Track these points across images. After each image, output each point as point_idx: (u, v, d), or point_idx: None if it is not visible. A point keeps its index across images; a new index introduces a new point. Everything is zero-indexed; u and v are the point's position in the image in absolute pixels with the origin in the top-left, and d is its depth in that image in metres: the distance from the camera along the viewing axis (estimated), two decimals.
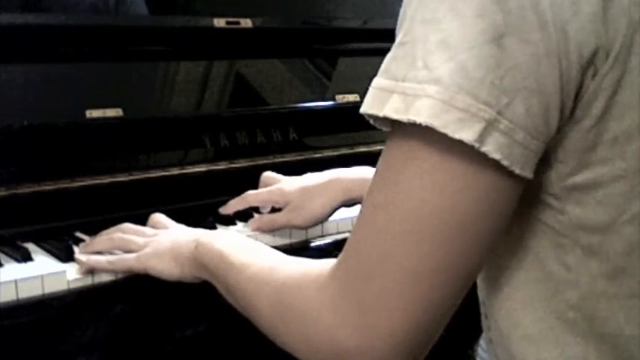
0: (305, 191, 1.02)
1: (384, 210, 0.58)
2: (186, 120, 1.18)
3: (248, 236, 0.95)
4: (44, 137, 1.01)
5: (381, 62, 0.60)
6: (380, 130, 0.60)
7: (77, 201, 1.02)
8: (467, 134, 0.53)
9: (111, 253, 0.92)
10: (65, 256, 0.92)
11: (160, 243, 0.90)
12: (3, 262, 0.90)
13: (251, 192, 1.06)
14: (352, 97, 1.32)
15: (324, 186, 1.02)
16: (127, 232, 0.95)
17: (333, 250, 1.05)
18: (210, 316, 0.98)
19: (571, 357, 0.63)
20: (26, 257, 0.91)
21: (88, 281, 0.88)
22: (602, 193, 0.59)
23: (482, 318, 0.73)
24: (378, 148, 0.66)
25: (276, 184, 1.05)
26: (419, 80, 0.55)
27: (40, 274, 0.86)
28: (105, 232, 0.96)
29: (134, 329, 0.93)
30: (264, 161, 1.18)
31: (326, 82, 1.38)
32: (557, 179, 0.60)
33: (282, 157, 1.21)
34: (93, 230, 0.99)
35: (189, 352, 0.99)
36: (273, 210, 1.06)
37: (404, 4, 0.60)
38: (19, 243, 0.95)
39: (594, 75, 0.56)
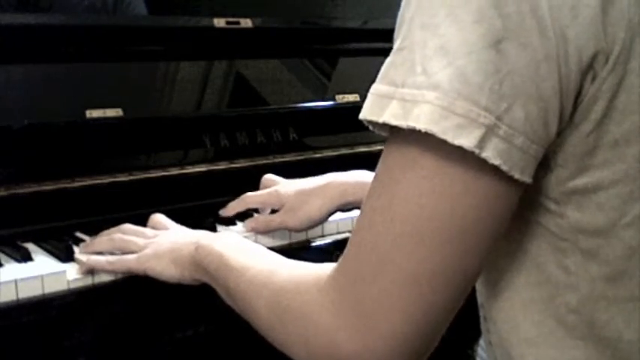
0: (301, 194, 1.02)
1: (383, 214, 0.58)
2: (186, 120, 1.18)
3: (245, 237, 0.95)
4: (44, 137, 1.01)
5: (381, 62, 0.60)
6: None
7: (77, 201, 1.02)
8: (467, 140, 0.53)
9: (111, 254, 0.92)
10: (65, 256, 0.92)
11: (159, 244, 0.89)
12: (3, 262, 0.90)
13: (249, 194, 1.06)
14: (352, 97, 1.32)
15: (321, 189, 1.02)
16: (127, 232, 0.95)
17: (333, 250, 1.05)
18: (210, 317, 0.98)
19: None
20: (26, 257, 0.91)
21: (88, 281, 0.88)
22: (602, 197, 0.59)
23: (482, 320, 0.73)
24: (378, 148, 0.66)
25: (274, 187, 1.05)
26: (418, 86, 0.55)
27: (40, 274, 0.86)
28: (105, 232, 0.96)
29: (134, 329, 0.93)
30: (264, 161, 1.18)
31: (326, 82, 1.38)
32: (556, 183, 0.60)
33: (282, 157, 1.21)
34: (93, 230, 0.99)
35: (189, 353, 0.99)
36: (273, 212, 1.06)
37: (402, 8, 0.60)
38: (19, 243, 0.95)
39: (594, 79, 0.56)
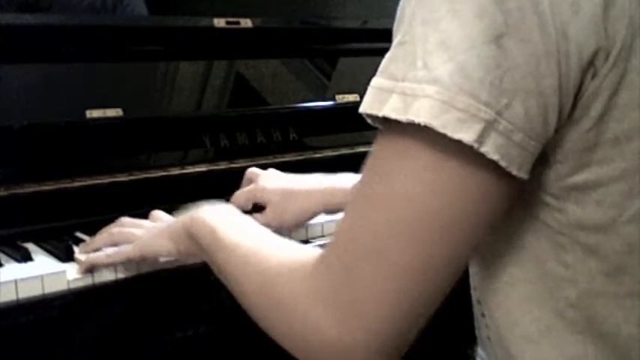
0: (287, 193, 1.02)
1: (376, 204, 0.58)
2: (186, 120, 1.18)
3: None
4: (44, 137, 1.01)
5: (381, 62, 0.60)
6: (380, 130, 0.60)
7: (77, 201, 1.02)
8: (466, 134, 0.53)
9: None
10: (65, 256, 0.92)
11: (155, 227, 0.91)
12: (3, 262, 0.90)
13: (238, 192, 1.06)
14: (352, 97, 1.32)
15: (307, 191, 1.02)
16: (125, 225, 0.95)
17: None
18: (210, 317, 0.98)
19: (570, 356, 0.63)
20: (26, 257, 0.91)
21: (88, 281, 0.88)
22: (602, 193, 0.59)
23: (478, 317, 0.72)
24: None
25: (258, 182, 1.05)
26: (418, 80, 0.55)
27: (40, 274, 0.86)
28: (105, 228, 0.96)
29: (134, 329, 0.93)
30: (264, 161, 1.18)
31: (326, 82, 1.38)
32: (556, 179, 0.60)
33: (282, 157, 1.21)
34: (93, 230, 0.99)
35: (189, 353, 0.99)
36: (255, 207, 1.06)
37: (402, 2, 0.60)
38: (19, 243, 0.95)
39: (594, 76, 0.56)
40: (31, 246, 0.95)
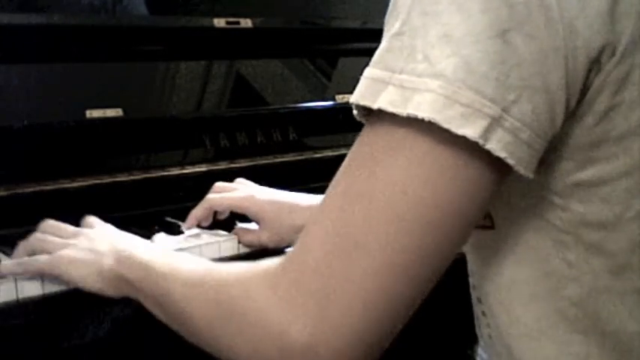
0: (280, 207, 0.97)
1: (359, 197, 0.56)
2: (186, 120, 1.18)
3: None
4: (44, 137, 1.01)
5: None
6: None
7: (77, 201, 1.02)
8: (470, 130, 0.52)
9: None
10: None
11: (77, 248, 0.82)
12: (3, 261, 0.90)
13: (213, 196, 1.00)
14: None
15: (302, 209, 0.96)
16: (46, 230, 0.87)
17: None
18: None
19: (573, 354, 0.63)
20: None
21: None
22: (607, 190, 0.59)
23: (479, 315, 0.72)
24: None
25: (247, 191, 1.00)
26: (419, 73, 0.54)
27: None
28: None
29: (135, 329, 0.93)
30: (264, 161, 1.18)
31: (326, 82, 1.38)
32: (560, 176, 0.59)
33: (282, 157, 1.21)
34: None
35: (190, 353, 0.99)
36: (232, 214, 1.02)
37: None
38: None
39: (599, 71, 0.55)
40: None
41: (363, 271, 0.55)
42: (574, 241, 0.61)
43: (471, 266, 0.71)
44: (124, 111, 1.07)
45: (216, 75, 1.24)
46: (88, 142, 1.05)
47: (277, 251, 1.00)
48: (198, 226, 1.00)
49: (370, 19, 1.42)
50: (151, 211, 1.06)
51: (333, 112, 1.31)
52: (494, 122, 0.53)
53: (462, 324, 0.75)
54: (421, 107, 0.53)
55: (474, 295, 0.72)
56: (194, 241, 0.97)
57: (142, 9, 1.21)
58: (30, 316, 0.84)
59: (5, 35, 1.02)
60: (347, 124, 1.27)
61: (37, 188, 0.98)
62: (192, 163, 1.13)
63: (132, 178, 1.06)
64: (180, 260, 0.73)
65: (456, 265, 0.61)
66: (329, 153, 1.27)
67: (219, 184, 1.02)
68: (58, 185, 1.00)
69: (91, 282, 0.79)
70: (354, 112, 0.59)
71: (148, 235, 0.98)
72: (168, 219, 1.05)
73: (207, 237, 1.00)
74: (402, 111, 0.54)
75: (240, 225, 1.04)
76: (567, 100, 0.55)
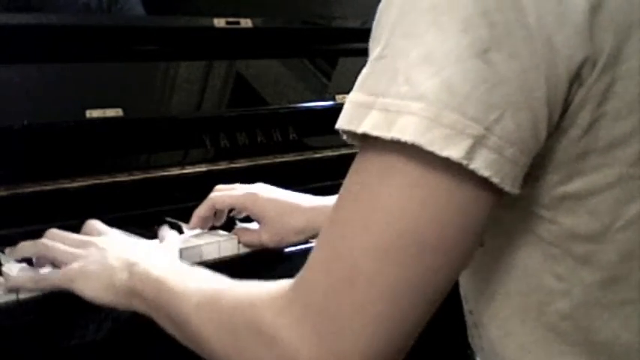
0: (282, 206, 0.97)
1: (357, 224, 0.56)
2: (186, 120, 1.18)
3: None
4: (44, 137, 1.01)
5: None
6: None
7: (77, 201, 1.02)
8: (455, 151, 0.52)
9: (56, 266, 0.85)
10: None
11: (88, 261, 0.81)
12: (3, 262, 0.90)
13: (215, 194, 1.00)
14: None
15: (303, 210, 0.96)
16: (54, 239, 0.87)
17: None
18: None
19: None
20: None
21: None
22: (594, 202, 0.58)
23: (471, 327, 0.72)
24: None
25: (249, 189, 1.00)
26: (401, 96, 0.53)
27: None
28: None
29: (135, 329, 0.92)
30: (264, 161, 1.18)
31: (326, 82, 1.38)
32: (547, 190, 0.59)
33: (282, 157, 1.21)
34: None
35: (190, 353, 0.99)
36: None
37: (379, 12, 0.58)
38: (19, 243, 0.95)
39: (580, 85, 0.55)
40: None
41: (367, 298, 0.55)
42: (563, 255, 0.60)
43: (461, 280, 0.70)
44: (124, 111, 1.07)
45: (216, 75, 1.24)
46: (87, 142, 1.05)
47: (277, 251, 1.01)
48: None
49: (370, 19, 1.42)
50: (151, 211, 1.06)
51: (333, 112, 1.30)
52: (478, 142, 0.52)
53: (462, 324, 0.75)
54: (405, 130, 0.52)
55: (465, 307, 0.71)
56: (194, 241, 0.98)
57: (142, 9, 1.21)
58: (30, 316, 0.84)
59: (6, 35, 1.02)
60: None
61: (37, 188, 0.98)
62: (192, 163, 1.13)
63: (132, 178, 1.06)
64: (192, 277, 0.73)
65: None
66: (329, 153, 1.27)
67: (219, 187, 1.03)
68: (58, 185, 1.00)
69: (103, 296, 0.79)
70: (344, 137, 0.58)
71: (148, 235, 0.98)
72: (169, 219, 1.05)
73: (207, 237, 1.00)
74: (387, 134, 0.53)
75: (240, 225, 1.04)
76: (550, 116, 0.55)
